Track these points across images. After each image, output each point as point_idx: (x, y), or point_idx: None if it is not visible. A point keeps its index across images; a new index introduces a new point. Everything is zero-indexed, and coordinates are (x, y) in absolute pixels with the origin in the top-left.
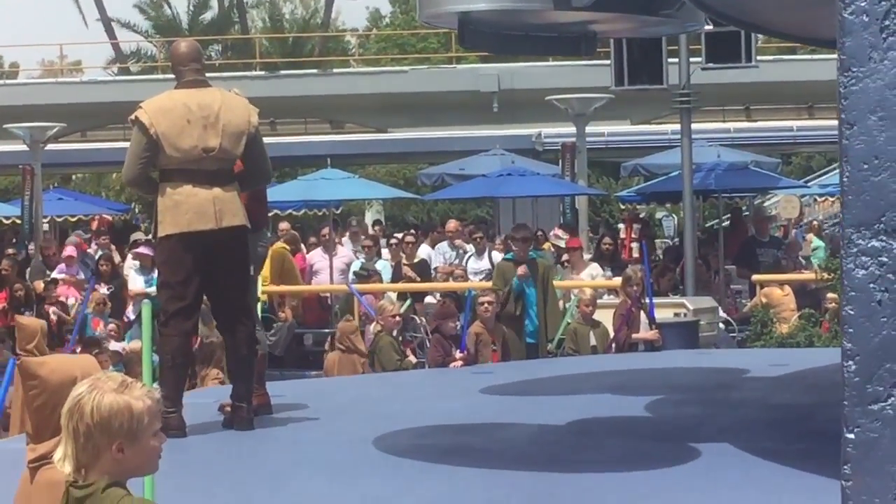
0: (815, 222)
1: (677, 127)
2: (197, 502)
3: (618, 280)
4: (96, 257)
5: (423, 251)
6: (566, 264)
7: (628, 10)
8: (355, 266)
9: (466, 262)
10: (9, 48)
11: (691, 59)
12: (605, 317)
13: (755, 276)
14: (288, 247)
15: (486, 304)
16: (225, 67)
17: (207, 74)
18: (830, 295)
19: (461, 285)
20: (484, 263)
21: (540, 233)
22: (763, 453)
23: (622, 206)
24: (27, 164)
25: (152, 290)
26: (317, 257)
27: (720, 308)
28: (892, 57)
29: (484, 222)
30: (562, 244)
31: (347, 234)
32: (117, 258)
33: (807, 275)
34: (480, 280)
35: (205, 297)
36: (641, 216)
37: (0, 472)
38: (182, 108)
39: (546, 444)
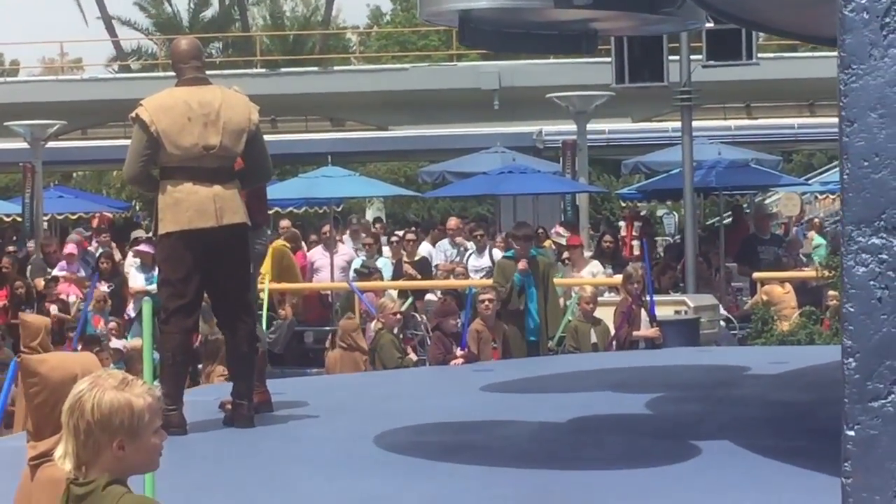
0: (816, 220)
1: (678, 124)
2: (198, 500)
3: (618, 278)
4: (97, 255)
5: (424, 249)
6: (567, 262)
7: (629, 7)
8: (356, 264)
9: (467, 260)
10: (9, 46)
11: (692, 57)
12: (606, 314)
13: (756, 274)
14: (288, 244)
15: (486, 302)
16: (226, 65)
17: (208, 72)
18: (831, 292)
19: (462, 283)
20: (485, 261)
21: (541, 230)
22: (763, 451)
23: (623, 204)
24: (28, 161)
25: (153, 287)
26: (318, 255)
27: (721, 306)
28: (893, 54)
29: (485, 220)
30: (563, 242)
31: (348, 231)
32: (118, 256)
33: (808, 272)
34: (481, 278)
35: (205, 295)
36: (642, 214)
37: (1, 469)
38: (183, 105)
39: (546, 441)
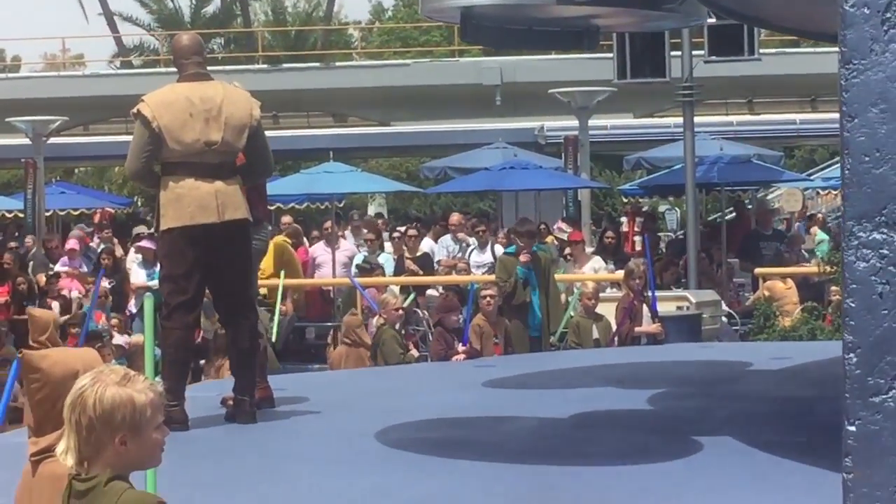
0: (819, 215)
1: (680, 120)
2: (199, 496)
3: (620, 273)
4: (98, 251)
5: (426, 245)
6: (569, 258)
7: (631, 4)
8: (358, 259)
9: (469, 256)
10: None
11: (694, 53)
12: (608, 310)
13: (758, 270)
14: (289, 240)
15: (488, 298)
16: (227, 61)
17: (210, 68)
18: (833, 288)
19: (464, 279)
20: (487, 257)
21: (543, 226)
22: (765, 446)
23: (625, 200)
24: (30, 157)
25: (154, 283)
26: (319, 251)
27: (723, 301)
28: (894, 49)
29: (487, 216)
30: (565, 237)
31: (349, 227)
32: (119, 252)
33: (809, 268)
34: (483, 273)
35: (207, 291)
36: (644, 209)
37: (2, 465)
38: (184, 101)
39: (548, 437)
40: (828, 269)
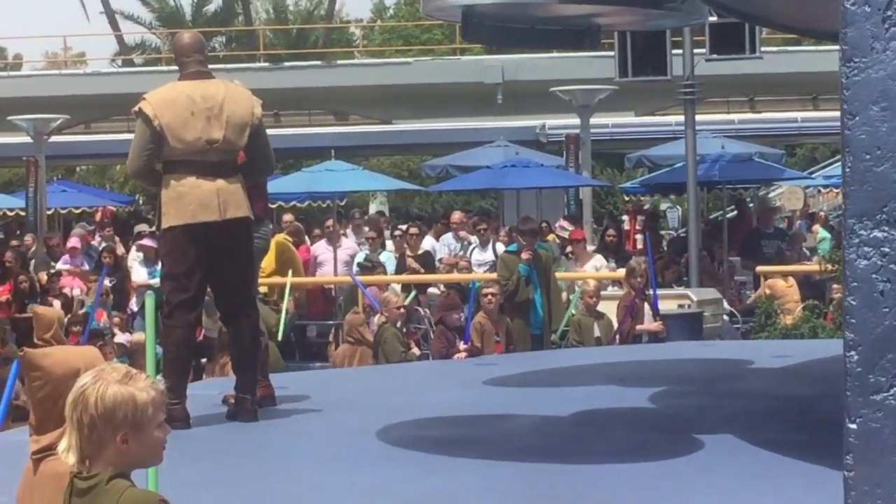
0: (822, 213)
1: (681, 118)
2: (201, 494)
3: (622, 272)
4: (100, 249)
5: (428, 243)
6: (571, 256)
7: (633, 2)
8: (359, 258)
9: (471, 254)
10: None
11: (695, 51)
12: (609, 308)
13: (759, 268)
14: (290, 238)
15: (489, 296)
16: (229, 59)
17: (211, 66)
18: (835, 286)
19: (465, 277)
20: (488, 255)
21: (545, 224)
22: (766, 444)
23: (626, 198)
24: (31, 155)
25: (156, 281)
26: (321, 249)
27: (724, 299)
28: (894, 47)
29: (488, 214)
30: (567, 236)
31: (351, 225)
32: (121, 250)
33: (811, 266)
34: (484, 271)
35: (208, 289)
36: (646, 208)
37: (4, 463)
38: (186, 99)
39: (549, 435)
40: (829, 267)
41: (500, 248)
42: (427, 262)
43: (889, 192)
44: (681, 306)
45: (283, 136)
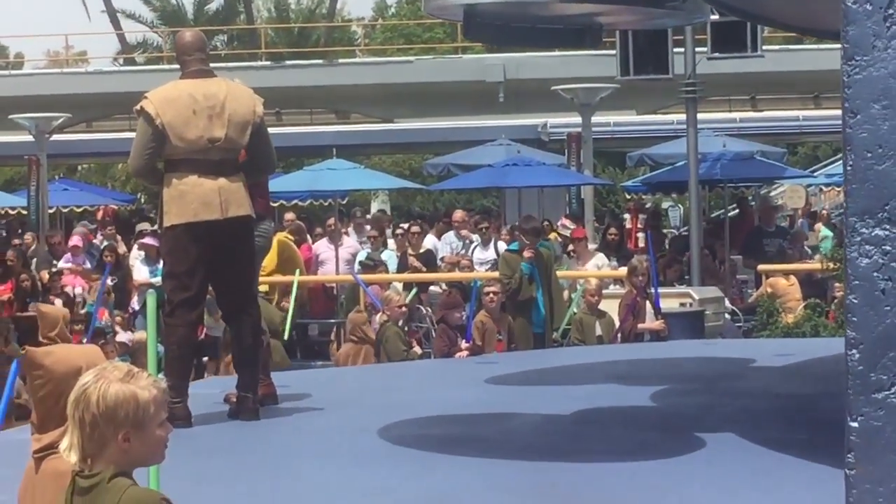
0: (824, 211)
1: (683, 117)
2: (202, 492)
3: (623, 270)
4: (101, 247)
5: (429, 241)
6: (572, 254)
7: (634, 1)
8: (361, 256)
9: (472, 253)
10: (14, 38)
11: (697, 49)
12: (611, 307)
13: (761, 266)
14: (291, 237)
15: (491, 294)
16: (230, 58)
17: (212, 65)
18: (837, 284)
19: (467, 275)
20: (490, 253)
21: (546, 223)
22: (768, 442)
23: (628, 196)
24: (33, 154)
25: (157, 280)
26: (323, 248)
27: (726, 298)
28: None
29: (490, 212)
30: (569, 234)
31: (352, 224)
32: (122, 249)
33: (813, 264)
34: (486, 270)
35: (210, 287)
36: (647, 206)
37: (5, 462)
38: (187, 98)
39: (550, 433)
40: (831, 265)
41: (502, 246)
42: (429, 260)
43: (890, 191)
44: (682, 305)
45: (284, 135)
